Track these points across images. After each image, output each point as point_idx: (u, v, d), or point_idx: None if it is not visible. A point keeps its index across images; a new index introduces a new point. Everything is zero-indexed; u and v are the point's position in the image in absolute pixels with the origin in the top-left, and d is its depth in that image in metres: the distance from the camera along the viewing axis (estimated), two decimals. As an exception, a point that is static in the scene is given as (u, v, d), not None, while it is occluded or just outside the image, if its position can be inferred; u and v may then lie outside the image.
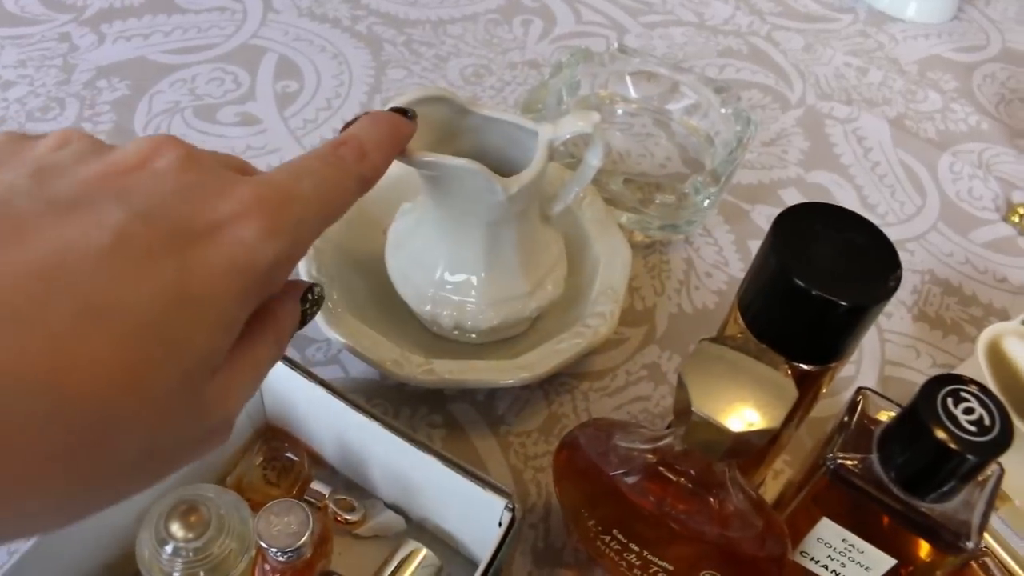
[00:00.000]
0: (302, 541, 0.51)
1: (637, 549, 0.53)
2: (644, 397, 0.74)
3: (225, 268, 0.31)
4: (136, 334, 0.28)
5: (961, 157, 1.02)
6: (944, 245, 0.91)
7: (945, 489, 0.46)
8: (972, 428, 0.44)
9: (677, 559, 0.52)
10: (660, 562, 0.53)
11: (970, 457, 0.44)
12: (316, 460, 0.65)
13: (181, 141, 0.35)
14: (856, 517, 0.51)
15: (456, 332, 0.68)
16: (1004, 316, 0.85)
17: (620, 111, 0.98)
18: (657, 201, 0.79)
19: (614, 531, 0.54)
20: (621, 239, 0.74)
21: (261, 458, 0.64)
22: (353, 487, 0.64)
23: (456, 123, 0.60)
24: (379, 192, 0.66)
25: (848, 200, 0.94)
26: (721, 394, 0.43)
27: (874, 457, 0.49)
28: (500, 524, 0.52)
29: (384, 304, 0.70)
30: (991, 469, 0.49)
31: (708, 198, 0.80)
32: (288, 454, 0.64)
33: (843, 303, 0.47)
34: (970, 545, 0.47)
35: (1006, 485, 0.51)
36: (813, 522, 0.52)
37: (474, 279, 0.65)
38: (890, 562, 0.51)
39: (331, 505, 0.61)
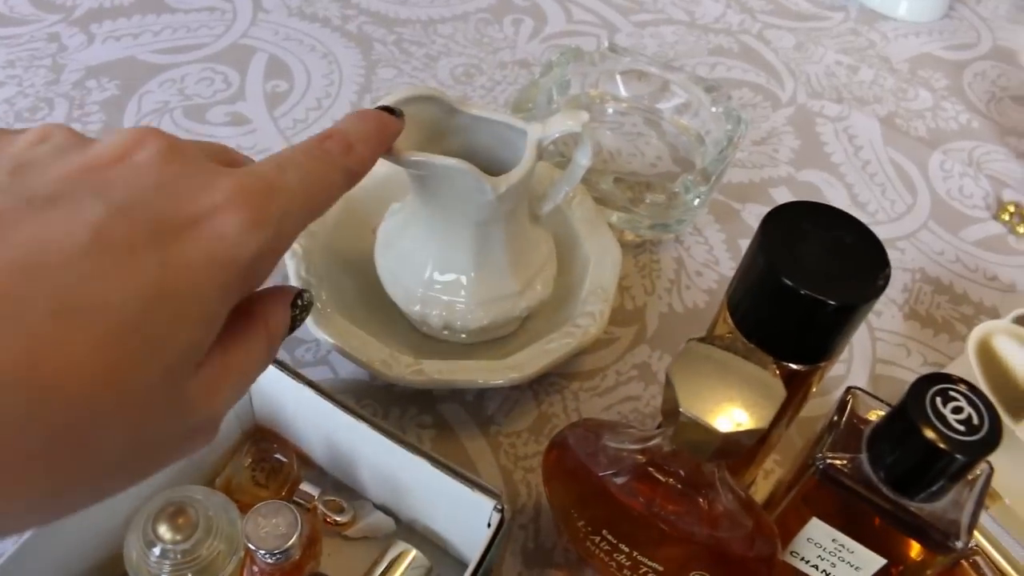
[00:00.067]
0: (290, 543, 0.51)
1: (627, 549, 0.53)
2: (634, 397, 0.74)
3: (206, 261, 0.31)
4: (115, 331, 0.28)
5: (952, 155, 1.02)
6: (935, 243, 0.91)
7: (934, 489, 0.46)
8: (961, 427, 0.44)
9: (667, 559, 0.52)
10: (650, 563, 0.53)
11: (959, 457, 0.44)
12: (305, 461, 0.65)
13: (163, 132, 0.34)
14: (846, 517, 0.51)
15: (446, 332, 0.68)
16: (994, 314, 0.85)
17: (611, 110, 0.98)
18: (647, 200, 0.79)
19: (604, 531, 0.53)
20: (611, 238, 0.74)
21: (250, 459, 0.64)
22: (342, 488, 0.64)
23: (445, 122, 0.60)
24: (368, 192, 0.66)
25: (839, 199, 0.94)
26: (709, 394, 0.43)
27: (863, 457, 0.49)
28: (489, 525, 0.52)
29: (373, 304, 0.70)
30: (980, 468, 0.49)
31: (698, 197, 0.79)
32: (277, 455, 0.64)
33: (831, 302, 0.47)
34: (960, 544, 0.47)
35: (996, 484, 0.51)
36: (803, 522, 0.52)
37: (463, 279, 0.64)
38: (880, 562, 0.51)
39: (320, 506, 0.61)
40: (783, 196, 0.93)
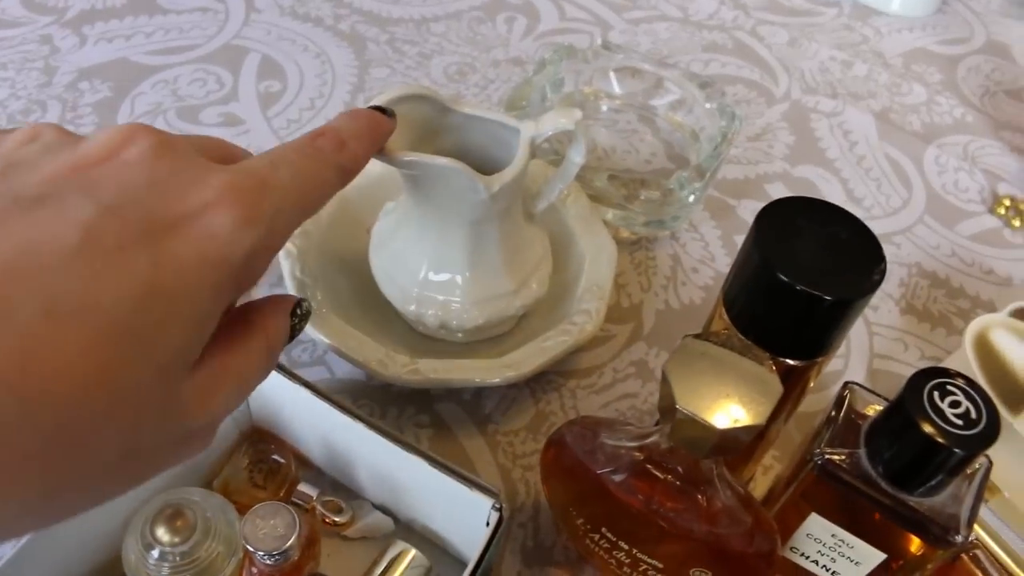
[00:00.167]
0: (289, 544, 0.50)
1: (626, 547, 0.53)
2: (632, 394, 0.73)
3: (197, 260, 0.31)
4: (106, 332, 0.28)
5: (946, 150, 1.02)
6: (930, 238, 0.91)
7: (933, 483, 0.46)
8: (959, 422, 0.44)
9: (666, 557, 0.52)
10: (649, 560, 0.53)
11: (957, 451, 0.44)
12: (303, 462, 0.65)
13: (153, 129, 0.34)
14: (845, 512, 0.51)
15: (442, 331, 0.68)
16: (991, 308, 0.85)
17: (605, 107, 0.98)
18: (642, 197, 0.79)
19: (603, 529, 0.53)
20: (606, 236, 0.74)
21: (247, 461, 0.64)
22: (341, 489, 0.64)
23: (438, 121, 0.60)
24: (362, 191, 0.67)
25: (834, 194, 0.94)
26: (706, 391, 0.43)
27: (862, 452, 0.49)
28: (488, 524, 0.52)
29: (369, 304, 0.70)
30: (979, 462, 0.49)
31: (693, 193, 0.79)
32: (275, 456, 0.64)
33: (827, 298, 0.47)
34: (959, 538, 0.47)
35: (995, 477, 0.51)
36: (802, 518, 0.52)
37: (458, 278, 0.64)
38: (880, 557, 0.51)
39: (319, 507, 0.61)
40: (778, 192, 0.93)
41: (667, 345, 0.77)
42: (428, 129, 0.59)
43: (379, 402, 0.70)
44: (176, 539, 0.52)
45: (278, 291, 0.74)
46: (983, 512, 0.58)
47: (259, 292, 0.39)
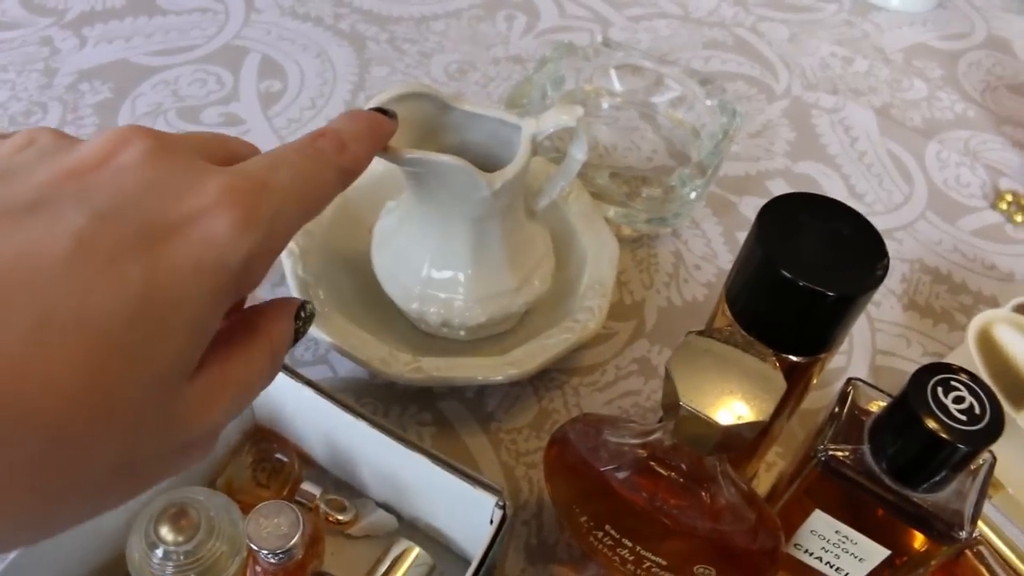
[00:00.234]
0: (293, 542, 0.50)
1: (630, 544, 0.53)
2: (635, 391, 0.73)
3: (194, 267, 0.30)
4: (98, 346, 0.27)
5: (948, 145, 1.02)
6: (932, 233, 0.91)
7: (937, 479, 0.46)
8: (963, 417, 0.44)
9: (670, 554, 0.52)
10: (653, 557, 0.53)
11: (961, 446, 0.44)
12: (306, 461, 0.65)
13: (150, 131, 0.33)
14: (849, 508, 0.51)
15: (444, 329, 0.68)
16: (994, 303, 0.85)
17: (605, 105, 0.98)
18: (644, 194, 0.79)
19: (606, 526, 0.53)
20: (608, 233, 0.74)
21: (251, 459, 0.64)
22: (344, 487, 0.64)
23: (439, 119, 0.60)
24: (364, 190, 0.66)
25: (836, 190, 0.94)
26: (709, 388, 0.43)
27: (865, 448, 0.49)
28: (491, 521, 0.52)
29: (371, 302, 0.70)
30: (983, 458, 0.49)
31: (695, 190, 0.79)
32: (278, 455, 0.64)
33: (830, 293, 0.46)
34: (963, 534, 0.47)
35: (999, 473, 0.51)
36: (806, 514, 0.52)
37: (461, 276, 0.64)
38: (884, 553, 0.51)
39: (322, 505, 0.61)
40: (780, 188, 0.93)
41: (670, 342, 0.77)
42: (429, 127, 0.59)
43: (382, 400, 0.70)
44: (180, 538, 0.52)
45: (280, 290, 0.75)
46: (987, 508, 0.58)
47: (260, 291, 0.39)
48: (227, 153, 0.36)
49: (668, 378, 0.44)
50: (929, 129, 1.03)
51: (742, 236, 0.86)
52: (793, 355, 0.51)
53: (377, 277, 0.68)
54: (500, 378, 0.64)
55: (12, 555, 0.49)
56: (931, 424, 0.44)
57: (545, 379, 0.73)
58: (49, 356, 0.26)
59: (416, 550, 0.57)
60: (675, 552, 0.52)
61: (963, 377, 0.46)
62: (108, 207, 0.30)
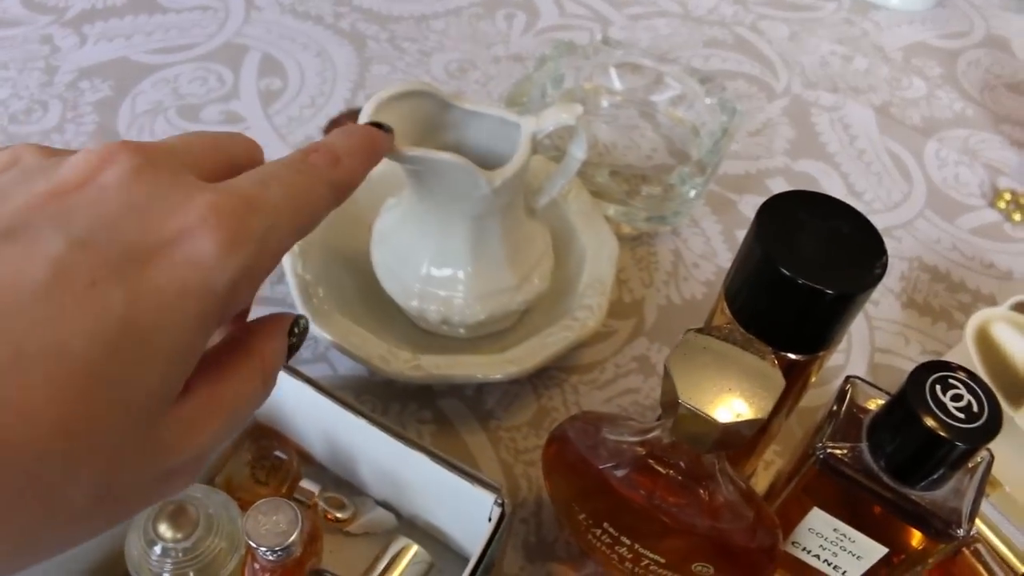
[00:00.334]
0: (291, 540, 0.50)
1: (628, 542, 0.53)
2: (634, 389, 0.74)
3: (178, 291, 0.29)
4: (76, 376, 0.26)
5: (947, 143, 1.02)
6: (931, 232, 0.91)
7: (935, 477, 0.46)
8: (961, 415, 0.44)
9: (668, 551, 0.52)
10: (652, 555, 0.53)
11: (959, 444, 0.44)
12: (305, 458, 0.65)
13: (136, 147, 0.32)
14: (847, 506, 0.51)
15: (444, 327, 0.68)
16: (992, 302, 0.85)
17: (605, 103, 0.98)
18: (643, 193, 0.79)
19: (605, 524, 0.53)
20: (608, 231, 0.74)
21: (250, 457, 0.64)
22: (343, 485, 0.64)
23: (439, 117, 0.60)
24: (364, 188, 0.66)
25: (835, 188, 0.94)
26: (708, 385, 0.43)
27: (864, 446, 0.49)
28: (490, 519, 0.52)
29: (371, 300, 0.70)
30: (981, 456, 0.49)
31: (695, 189, 0.79)
32: (277, 452, 0.64)
33: (829, 291, 0.47)
34: (961, 532, 0.47)
35: (996, 471, 0.51)
36: (804, 512, 0.52)
37: (460, 273, 0.64)
38: (882, 551, 0.51)
39: (321, 503, 0.61)
40: (779, 187, 0.93)
41: (669, 340, 0.77)
42: (429, 125, 0.59)
43: (381, 398, 0.70)
44: (179, 535, 0.52)
45: (280, 288, 0.75)
46: (984, 506, 0.58)
47: (261, 291, 0.39)
48: (225, 159, 0.35)
49: (667, 376, 0.44)
50: (928, 128, 1.04)
51: (741, 234, 0.86)
52: (792, 353, 0.51)
53: (377, 275, 0.68)
54: (499, 376, 0.64)
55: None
56: (929, 422, 0.44)
57: (544, 377, 0.73)
58: (25, 386, 0.25)
59: (415, 548, 0.57)
60: (673, 550, 0.52)
61: (961, 375, 0.46)
62: (87, 231, 0.29)
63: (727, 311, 0.54)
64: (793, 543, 0.55)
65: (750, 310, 0.52)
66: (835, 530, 0.52)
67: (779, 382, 0.44)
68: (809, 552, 0.55)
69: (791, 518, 0.53)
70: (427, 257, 0.64)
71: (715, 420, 0.42)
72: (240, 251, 0.31)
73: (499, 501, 0.52)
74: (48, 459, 0.26)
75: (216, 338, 0.36)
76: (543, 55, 0.91)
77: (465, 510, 0.55)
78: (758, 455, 0.65)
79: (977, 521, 0.56)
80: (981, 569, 0.57)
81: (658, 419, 0.50)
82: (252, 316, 0.39)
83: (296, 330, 0.38)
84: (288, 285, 0.67)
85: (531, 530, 0.64)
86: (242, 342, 0.35)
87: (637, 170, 0.92)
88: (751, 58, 1.11)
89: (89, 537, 0.30)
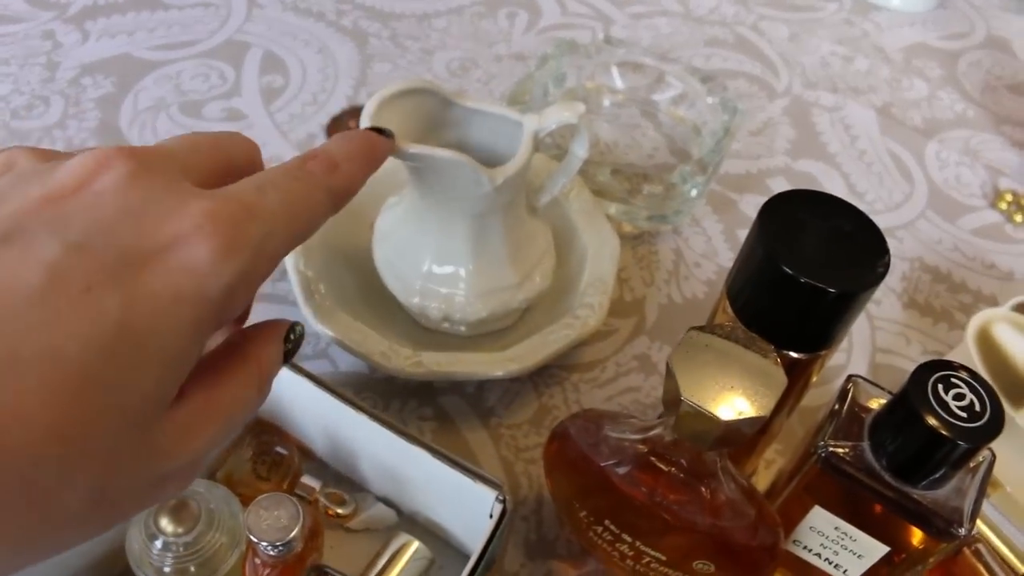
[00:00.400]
0: (292, 535, 0.50)
1: (629, 540, 0.53)
2: (634, 388, 0.74)
3: (172, 297, 0.29)
4: (71, 381, 0.26)
5: (948, 144, 1.02)
6: (932, 232, 0.91)
7: (937, 476, 0.46)
8: (963, 414, 0.44)
9: (670, 549, 0.52)
10: (653, 552, 0.53)
11: (961, 443, 0.44)
12: (306, 454, 0.65)
13: (130, 152, 0.32)
14: (848, 505, 0.51)
15: (445, 324, 0.68)
16: (993, 302, 0.85)
17: (607, 102, 0.98)
18: (645, 192, 0.79)
19: (606, 522, 0.53)
20: (609, 230, 0.74)
21: (251, 452, 0.64)
22: (344, 481, 0.64)
23: (441, 115, 0.60)
24: (365, 186, 0.66)
25: (836, 188, 0.94)
26: (710, 383, 0.43)
27: (865, 445, 0.49)
28: (491, 516, 0.52)
29: (372, 297, 0.70)
30: (982, 455, 0.49)
31: (696, 188, 0.80)
32: (278, 448, 0.64)
33: (831, 290, 0.47)
34: (962, 532, 0.47)
35: (998, 471, 0.51)
36: (805, 511, 0.52)
37: (462, 271, 0.64)
38: (883, 549, 0.51)
39: (322, 499, 0.61)
40: (780, 186, 0.93)
41: (670, 339, 0.78)
42: (431, 123, 0.59)
43: (382, 395, 0.71)
44: (180, 530, 0.52)
45: (281, 285, 0.75)
46: (985, 507, 0.58)
47: (263, 287, 0.39)
48: (223, 159, 0.36)
49: (669, 373, 0.44)
50: (929, 128, 1.04)
51: (742, 234, 0.86)
52: (794, 352, 0.51)
53: (378, 272, 0.68)
54: (500, 373, 0.64)
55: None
56: (931, 421, 0.44)
57: (545, 375, 0.73)
58: (20, 390, 0.26)
59: (415, 544, 0.57)
60: (675, 547, 0.52)
61: (963, 374, 0.46)
62: (82, 236, 0.29)
63: (729, 309, 0.54)
64: (794, 542, 0.55)
65: (752, 308, 0.52)
66: (836, 529, 0.52)
67: (781, 380, 0.44)
68: (810, 551, 0.55)
69: (792, 516, 0.53)
70: (429, 254, 0.64)
71: (717, 418, 0.42)
72: (236, 258, 0.31)
73: (501, 497, 0.52)
74: (43, 463, 0.26)
75: (215, 341, 0.36)
76: (545, 54, 0.91)
77: (466, 507, 0.55)
78: (759, 454, 0.65)
79: (978, 521, 0.56)
80: (982, 569, 0.57)
81: (659, 417, 0.50)
82: (253, 312, 0.40)
83: (292, 336, 0.38)
84: (290, 282, 0.67)
85: (532, 528, 0.64)
86: (238, 347, 0.35)
87: (639, 169, 0.92)
88: (752, 58, 1.11)
89: (83, 540, 0.30)
